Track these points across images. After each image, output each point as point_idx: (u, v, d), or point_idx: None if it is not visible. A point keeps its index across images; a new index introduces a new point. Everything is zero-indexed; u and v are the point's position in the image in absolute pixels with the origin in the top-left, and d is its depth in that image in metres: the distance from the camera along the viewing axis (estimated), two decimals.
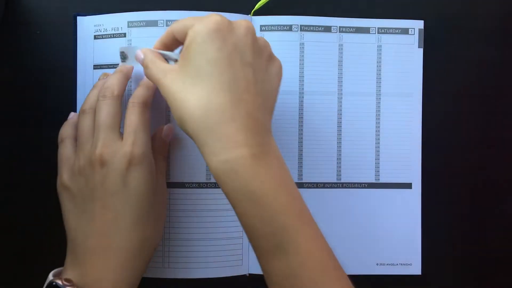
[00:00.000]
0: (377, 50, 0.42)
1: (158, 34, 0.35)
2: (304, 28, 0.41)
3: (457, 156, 0.43)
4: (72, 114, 0.39)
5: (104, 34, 0.41)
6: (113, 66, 0.40)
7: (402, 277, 0.42)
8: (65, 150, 0.36)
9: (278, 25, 0.41)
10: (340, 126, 0.42)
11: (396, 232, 0.42)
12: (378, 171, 0.42)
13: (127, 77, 0.37)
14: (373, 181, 0.42)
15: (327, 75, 0.42)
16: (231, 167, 0.29)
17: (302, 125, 0.42)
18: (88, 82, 0.41)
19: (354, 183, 0.42)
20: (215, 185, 0.41)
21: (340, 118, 0.42)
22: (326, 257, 0.30)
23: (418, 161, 0.42)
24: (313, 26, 0.41)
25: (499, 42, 0.43)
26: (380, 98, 0.42)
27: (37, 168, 0.41)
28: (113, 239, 0.33)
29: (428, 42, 0.42)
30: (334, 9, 0.42)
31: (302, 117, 0.42)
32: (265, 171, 0.29)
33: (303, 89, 0.42)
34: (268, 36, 0.41)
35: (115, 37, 0.41)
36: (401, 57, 0.42)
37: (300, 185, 0.42)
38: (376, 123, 0.42)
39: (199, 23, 0.30)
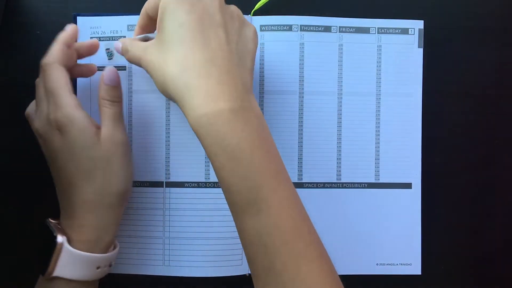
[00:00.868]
0: (377, 50, 0.42)
1: None
2: (304, 28, 0.41)
3: (457, 156, 0.43)
4: None
5: (102, 37, 0.41)
6: None
7: (402, 277, 0.42)
8: (33, 123, 0.37)
9: (278, 25, 0.41)
10: (340, 126, 0.42)
11: (396, 232, 0.42)
12: (378, 171, 0.42)
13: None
14: (373, 181, 0.42)
15: (327, 75, 0.42)
16: (208, 121, 0.29)
17: (302, 125, 0.42)
18: (87, 82, 0.41)
19: (354, 183, 0.42)
20: (215, 185, 0.41)
21: (340, 118, 0.42)
22: (300, 220, 0.30)
23: (418, 161, 0.42)
24: (313, 26, 0.41)
25: (499, 42, 0.43)
26: (380, 98, 0.42)
27: (37, 168, 0.41)
28: (69, 195, 0.35)
29: (428, 42, 0.42)
30: (334, 9, 0.42)
31: (302, 117, 0.42)
32: (243, 127, 0.30)
33: (303, 89, 0.42)
34: (268, 36, 0.41)
35: (115, 39, 0.41)
36: (401, 57, 0.42)
37: (300, 185, 0.42)
38: (376, 123, 0.42)
39: None
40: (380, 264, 0.42)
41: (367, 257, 0.42)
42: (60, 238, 0.34)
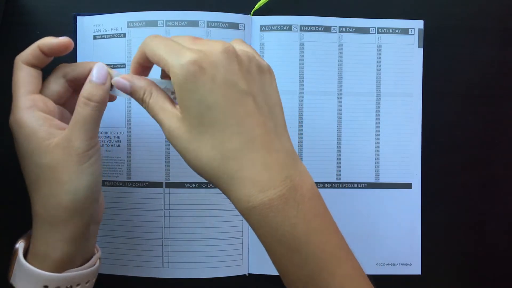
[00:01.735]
0: (377, 50, 0.42)
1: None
2: (304, 28, 0.41)
3: (457, 156, 0.43)
4: None
5: (104, 34, 0.41)
6: (113, 66, 0.40)
7: (402, 277, 0.42)
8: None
9: (278, 25, 0.41)
10: (340, 126, 0.42)
11: (396, 232, 0.42)
12: (378, 171, 0.42)
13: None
14: (373, 181, 0.42)
15: (327, 75, 0.42)
16: (259, 213, 0.28)
17: (302, 125, 0.42)
18: None
19: (354, 183, 0.42)
20: None
21: (340, 118, 0.42)
22: None
23: (418, 161, 0.42)
24: (313, 26, 0.41)
25: (499, 42, 0.43)
26: (380, 98, 0.42)
27: None
28: (31, 203, 0.32)
29: (428, 42, 0.42)
30: (334, 9, 0.42)
31: (302, 117, 0.42)
32: (296, 212, 0.28)
33: (303, 89, 0.42)
34: (268, 36, 0.41)
35: (115, 37, 0.41)
36: (401, 57, 0.42)
37: None
38: (376, 123, 0.42)
39: (176, 64, 0.28)
40: (380, 264, 0.42)
41: (367, 257, 0.42)
42: (17, 244, 0.32)
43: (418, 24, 0.42)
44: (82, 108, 0.31)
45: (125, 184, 0.41)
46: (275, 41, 0.41)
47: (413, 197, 0.42)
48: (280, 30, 0.41)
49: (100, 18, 0.41)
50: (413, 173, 0.42)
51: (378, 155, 0.42)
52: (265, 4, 0.41)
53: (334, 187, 0.42)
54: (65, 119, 0.34)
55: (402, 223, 0.42)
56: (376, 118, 0.42)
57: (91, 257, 0.34)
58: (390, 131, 0.42)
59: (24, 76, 0.33)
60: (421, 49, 0.42)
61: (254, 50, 0.31)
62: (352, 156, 0.42)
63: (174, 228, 0.41)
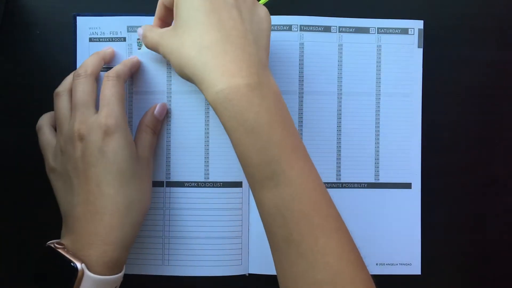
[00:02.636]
0: (377, 50, 0.42)
1: None
2: (303, 28, 0.41)
3: (457, 156, 0.43)
4: None
5: (101, 38, 0.41)
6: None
7: (401, 277, 0.42)
8: (44, 136, 0.38)
9: (278, 25, 0.41)
10: (340, 126, 0.42)
11: (395, 232, 0.42)
12: (378, 171, 0.42)
13: (103, 58, 0.39)
14: (373, 181, 0.42)
15: (327, 75, 0.42)
16: (225, 96, 0.30)
17: (301, 125, 0.42)
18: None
19: (354, 183, 0.42)
20: (214, 185, 0.41)
21: (340, 118, 0.42)
22: (318, 193, 0.31)
23: (418, 161, 0.42)
24: (312, 26, 0.41)
25: (499, 42, 0.43)
26: (379, 98, 0.42)
27: (36, 168, 0.41)
28: (98, 205, 0.34)
29: (428, 42, 0.42)
30: (334, 9, 0.42)
31: (301, 117, 0.42)
32: (260, 102, 0.30)
33: (302, 89, 0.42)
34: None
35: (114, 41, 0.41)
36: (401, 57, 0.42)
37: None
38: (376, 123, 0.42)
39: None
40: (380, 264, 0.42)
41: (367, 257, 0.41)
42: (79, 265, 0.32)
43: (418, 24, 0.42)
44: (149, 135, 0.39)
45: None
46: (274, 41, 0.41)
47: (413, 197, 0.42)
48: (280, 30, 0.41)
49: (98, 20, 0.41)
50: (413, 173, 0.42)
51: (378, 155, 0.42)
52: (265, 4, 0.41)
53: (334, 187, 0.42)
54: None
55: (402, 223, 0.42)
56: (376, 118, 0.42)
57: None
58: (390, 131, 0.42)
59: (121, 91, 0.37)
60: (421, 49, 0.42)
61: None
62: (352, 156, 0.42)
63: (174, 227, 0.41)
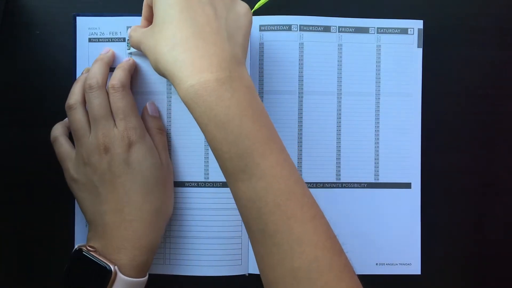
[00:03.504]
0: (377, 50, 0.42)
1: None
2: (303, 28, 0.41)
3: (457, 156, 0.43)
4: None
5: (101, 38, 0.41)
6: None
7: (401, 276, 0.42)
8: (63, 148, 0.38)
9: (277, 25, 0.41)
10: (340, 126, 0.42)
11: (395, 232, 0.42)
12: (378, 171, 0.42)
13: (108, 64, 0.39)
14: (373, 181, 0.42)
15: (327, 75, 0.42)
16: (195, 92, 0.30)
17: (301, 125, 0.42)
18: None
19: (354, 183, 0.42)
20: (214, 184, 0.41)
21: (340, 118, 0.42)
22: (292, 183, 0.31)
23: (418, 161, 0.42)
24: (312, 26, 0.41)
25: (499, 42, 0.43)
26: (379, 98, 0.42)
27: (36, 168, 0.41)
28: (127, 213, 0.35)
29: (428, 42, 0.42)
30: (334, 9, 0.42)
31: (301, 117, 0.42)
32: (230, 96, 0.30)
33: (302, 89, 0.42)
34: (268, 36, 0.41)
35: (114, 41, 0.41)
36: (401, 57, 0.42)
37: None
38: (376, 122, 0.42)
39: None
40: (380, 264, 0.42)
41: (367, 257, 0.42)
42: (112, 267, 0.34)
43: (418, 24, 0.42)
44: (160, 136, 0.40)
45: None
46: (274, 41, 0.41)
47: (413, 197, 0.42)
48: (279, 30, 0.41)
49: (97, 20, 0.41)
50: (413, 173, 0.42)
51: (377, 155, 0.42)
52: (265, 4, 0.41)
53: (333, 187, 0.42)
54: None
55: (401, 223, 0.42)
56: (375, 118, 0.42)
57: None
58: (389, 131, 0.42)
59: (132, 99, 0.38)
60: (421, 49, 0.42)
61: None
62: (352, 156, 0.42)
63: (174, 226, 0.41)
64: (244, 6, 0.35)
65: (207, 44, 0.31)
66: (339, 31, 0.42)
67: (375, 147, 0.42)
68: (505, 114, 0.44)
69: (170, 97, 0.41)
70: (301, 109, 0.42)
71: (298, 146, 0.42)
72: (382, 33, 0.42)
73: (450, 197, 0.43)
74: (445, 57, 0.43)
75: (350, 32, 0.42)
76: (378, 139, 0.42)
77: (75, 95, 0.38)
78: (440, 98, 0.43)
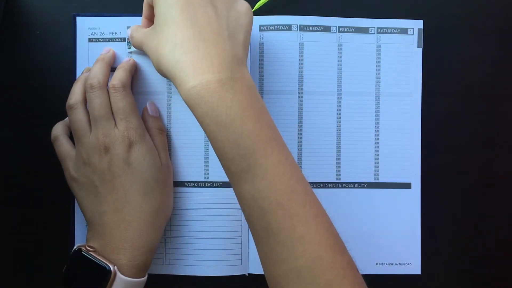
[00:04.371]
0: (377, 50, 0.42)
1: None
2: (303, 28, 0.41)
3: (457, 156, 0.43)
4: None
5: (101, 38, 0.41)
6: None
7: (401, 276, 0.42)
8: (63, 147, 0.38)
9: (277, 25, 0.41)
10: (340, 126, 0.42)
11: (395, 232, 0.42)
12: (378, 171, 0.42)
13: (109, 64, 0.39)
14: (373, 181, 0.42)
15: (327, 75, 0.42)
16: (197, 93, 0.30)
17: (301, 125, 0.42)
18: None
19: (354, 183, 0.42)
20: (214, 184, 0.41)
21: (340, 118, 0.42)
22: (294, 182, 0.31)
23: (418, 161, 0.42)
24: (312, 26, 0.41)
25: (499, 42, 0.43)
26: (379, 98, 0.42)
27: (36, 168, 0.41)
28: (126, 213, 0.36)
29: (427, 42, 0.42)
30: (334, 9, 0.42)
31: (301, 117, 0.42)
32: (232, 96, 0.31)
33: (302, 89, 0.42)
34: (268, 36, 0.41)
35: (114, 41, 0.41)
36: (400, 57, 0.42)
37: None
38: (376, 122, 0.42)
39: None
40: (380, 264, 0.42)
41: (367, 257, 0.42)
42: (112, 268, 0.34)
43: (418, 24, 0.42)
44: (160, 136, 0.39)
45: None
46: (274, 41, 0.41)
47: (413, 197, 0.42)
48: (279, 30, 0.41)
49: (99, 21, 0.41)
50: (413, 173, 0.42)
51: (377, 154, 0.42)
52: (265, 4, 0.41)
53: (333, 187, 0.42)
54: None
55: (401, 223, 0.42)
56: (375, 118, 0.42)
57: None
58: (389, 131, 0.42)
59: (132, 100, 0.38)
60: (421, 49, 0.42)
61: None
62: (352, 156, 0.42)
63: (174, 226, 0.41)
64: (245, 5, 0.34)
65: (208, 44, 0.31)
66: (339, 31, 0.42)
67: (375, 147, 0.42)
68: (505, 114, 0.44)
69: (170, 97, 0.41)
70: (301, 109, 0.42)
71: (298, 146, 0.42)
72: (382, 33, 0.42)
73: (450, 197, 0.43)
74: (445, 57, 0.43)
75: (350, 32, 0.42)
76: (378, 139, 0.42)
77: (75, 95, 0.38)
78: (440, 98, 0.43)
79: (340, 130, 0.42)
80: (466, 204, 0.43)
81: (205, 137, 0.41)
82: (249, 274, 0.41)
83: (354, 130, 0.42)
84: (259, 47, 0.41)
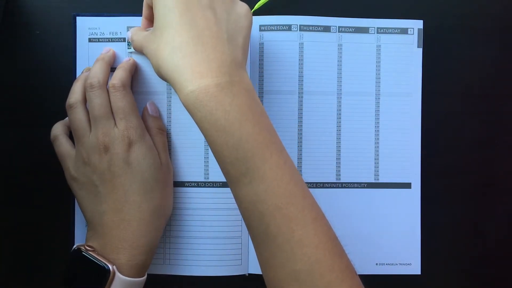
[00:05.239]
0: (376, 50, 0.42)
1: None
2: (303, 28, 0.41)
3: (457, 156, 0.43)
4: None
5: (101, 38, 0.41)
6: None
7: (401, 277, 0.42)
8: (63, 147, 0.38)
9: (277, 25, 0.41)
10: (340, 126, 0.42)
11: (395, 232, 0.42)
12: (378, 171, 0.42)
13: (109, 63, 0.39)
14: (373, 181, 0.42)
15: (327, 75, 0.42)
16: (196, 97, 0.31)
17: (301, 125, 0.42)
18: None
19: (354, 183, 0.42)
20: (214, 185, 0.41)
21: (340, 118, 0.42)
22: (293, 186, 0.31)
23: (418, 161, 0.42)
24: (312, 26, 0.41)
25: (499, 42, 0.43)
26: (379, 98, 0.42)
27: (36, 168, 0.41)
28: (125, 213, 0.36)
29: (427, 42, 0.42)
30: (334, 9, 0.42)
31: (301, 117, 0.42)
32: (231, 101, 0.31)
33: (302, 89, 0.42)
34: (268, 36, 0.41)
35: (114, 41, 0.41)
36: (400, 57, 0.42)
37: None
38: (376, 122, 0.42)
39: None
40: (380, 264, 0.42)
41: (367, 257, 0.42)
42: (111, 267, 0.34)
43: (418, 24, 0.42)
44: (160, 136, 0.39)
45: None
46: (274, 41, 0.41)
47: (413, 197, 0.42)
48: (279, 30, 0.41)
49: (99, 21, 0.41)
50: (413, 173, 0.42)
51: (377, 155, 0.42)
52: (265, 4, 0.41)
53: (333, 187, 0.42)
54: None
55: (401, 223, 0.42)
56: (375, 118, 0.42)
57: None
58: (389, 131, 0.42)
59: (132, 99, 0.38)
60: (421, 49, 0.42)
61: None
62: (352, 156, 0.42)
63: (174, 226, 0.41)
64: (244, 7, 0.34)
65: (206, 48, 0.31)
66: (339, 31, 0.42)
67: (375, 147, 0.42)
68: (505, 114, 0.44)
69: (170, 97, 0.41)
70: (301, 109, 0.42)
71: (298, 146, 0.42)
72: (382, 33, 0.42)
73: (450, 197, 0.43)
74: (445, 57, 0.43)
75: (350, 32, 0.42)
76: (378, 139, 0.42)
77: (75, 94, 0.38)
78: (440, 98, 0.43)
79: (340, 130, 0.42)
80: (466, 204, 0.43)
81: None
82: (249, 274, 0.41)
83: (354, 130, 0.42)
84: (259, 47, 0.41)
